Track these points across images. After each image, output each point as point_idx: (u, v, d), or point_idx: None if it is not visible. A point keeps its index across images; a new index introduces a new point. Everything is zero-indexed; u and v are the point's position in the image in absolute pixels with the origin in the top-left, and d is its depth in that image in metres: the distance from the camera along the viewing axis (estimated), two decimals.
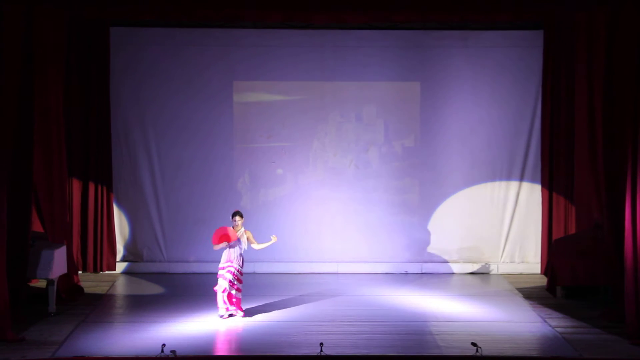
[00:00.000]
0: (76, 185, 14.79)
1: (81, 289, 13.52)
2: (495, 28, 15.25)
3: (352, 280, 14.66)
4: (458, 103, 15.37)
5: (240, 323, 11.77)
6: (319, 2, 12.94)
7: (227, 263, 11.97)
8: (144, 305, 12.80)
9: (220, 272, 11.98)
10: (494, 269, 15.41)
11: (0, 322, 10.72)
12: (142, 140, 15.29)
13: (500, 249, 15.53)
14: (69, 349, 10.46)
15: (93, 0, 13.06)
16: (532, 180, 15.35)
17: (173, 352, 9.85)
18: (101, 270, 15.04)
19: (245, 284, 12.52)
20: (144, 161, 15.31)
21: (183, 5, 13.08)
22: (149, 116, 15.27)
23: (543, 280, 14.31)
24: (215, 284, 12.00)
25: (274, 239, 12.17)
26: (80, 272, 14.50)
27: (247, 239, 12.07)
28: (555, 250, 13.70)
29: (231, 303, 11.90)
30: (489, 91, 15.36)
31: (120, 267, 15.25)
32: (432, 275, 15.18)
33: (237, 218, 12.06)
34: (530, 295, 13.55)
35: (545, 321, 11.94)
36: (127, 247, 15.48)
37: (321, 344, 10.05)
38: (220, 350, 10.91)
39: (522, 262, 15.53)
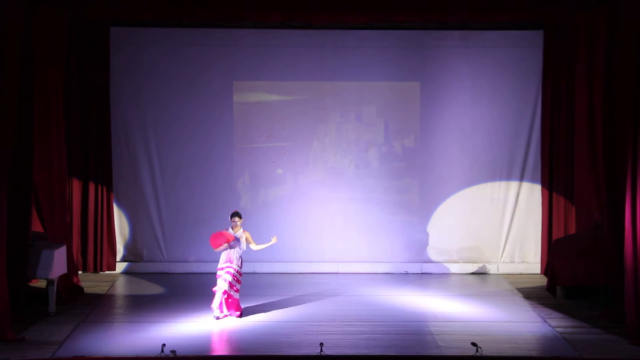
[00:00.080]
0: (76, 185, 14.79)
1: (81, 289, 13.52)
2: (495, 28, 15.25)
3: (352, 280, 14.66)
4: (458, 103, 15.37)
5: (239, 323, 11.77)
6: (319, 2, 12.95)
7: (227, 264, 11.96)
8: (144, 305, 12.80)
9: (219, 272, 11.98)
10: (494, 269, 15.41)
11: (0, 322, 10.72)
12: (142, 140, 15.29)
13: (500, 249, 15.53)
14: (69, 349, 10.47)
15: (93, 0, 13.06)
16: (532, 180, 15.35)
17: (173, 352, 9.85)
18: (101, 270, 15.04)
19: (245, 284, 12.53)
20: (144, 161, 15.31)
21: (183, 5, 13.09)
22: (149, 116, 15.27)
23: (543, 280, 14.31)
24: (214, 285, 12.01)
25: (273, 240, 12.17)
26: (80, 272, 14.50)
27: (246, 239, 12.07)
28: (555, 250, 13.70)
29: (228, 306, 11.89)
30: (489, 91, 15.36)
31: (120, 267, 15.25)
32: (432, 275, 15.18)
33: (236, 218, 12.06)
34: (530, 295, 13.55)
35: (545, 321, 11.94)
36: (127, 247, 15.48)
37: (321, 344, 10.05)
38: (220, 350, 10.91)
39: (522, 262, 15.52)
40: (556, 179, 14.68)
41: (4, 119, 11.18)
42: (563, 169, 14.56)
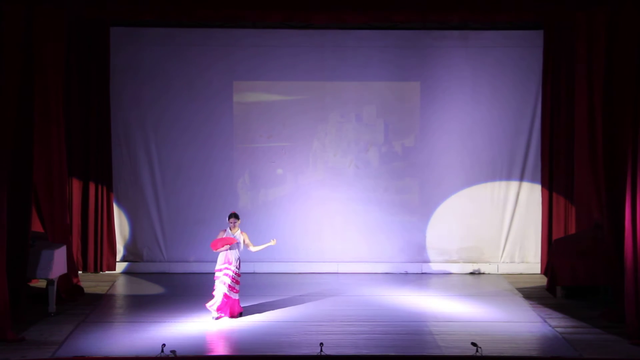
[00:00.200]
0: (76, 185, 14.79)
1: (81, 289, 13.51)
2: (495, 28, 15.24)
3: (352, 280, 14.66)
4: (458, 103, 15.37)
5: (239, 323, 11.77)
6: (319, 2, 12.95)
7: (225, 265, 11.95)
8: (144, 305, 12.80)
9: (217, 274, 11.97)
10: (494, 269, 15.41)
11: (0, 322, 10.72)
12: (142, 140, 15.28)
13: (500, 249, 15.52)
14: (69, 349, 10.47)
15: (93, 0, 13.06)
16: (532, 180, 15.34)
17: (173, 352, 9.85)
18: (101, 270, 15.04)
19: (245, 284, 12.53)
20: (144, 161, 15.31)
21: (183, 5, 13.09)
22: (149, 116, 15.27)
23: (543, 280, 14.30)
24: (214, 287, 11.99)
25: (272, 242, 12.17)
26: (80, 272, 14.50)
27: (243, 241, 12.06)
28: (555, 250, 13.70)
29: (227, 307, 11.88)
30: (489, 91, 15.36)
31: (120, 267, 15.25)
32: (432, 275, 15.18)
33: (234, 219, 12.05)
34: (530, 295, 13.55)
35: (545, 321, 11.94)
36: (127, 247, 15.47)
37: (321, 344, 10.05)
38: (220, 350, 10.90)
39: (522, 262, 15.52)
40: (556, 178, 14.69)
41: (4, 119, 11.18)
42: (563, 169, 14.56)
